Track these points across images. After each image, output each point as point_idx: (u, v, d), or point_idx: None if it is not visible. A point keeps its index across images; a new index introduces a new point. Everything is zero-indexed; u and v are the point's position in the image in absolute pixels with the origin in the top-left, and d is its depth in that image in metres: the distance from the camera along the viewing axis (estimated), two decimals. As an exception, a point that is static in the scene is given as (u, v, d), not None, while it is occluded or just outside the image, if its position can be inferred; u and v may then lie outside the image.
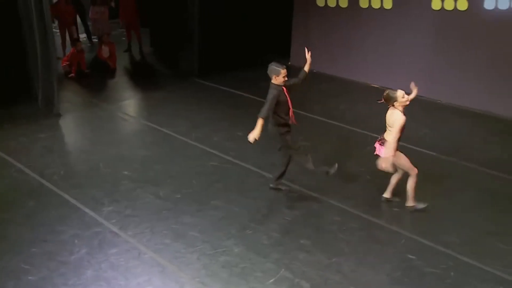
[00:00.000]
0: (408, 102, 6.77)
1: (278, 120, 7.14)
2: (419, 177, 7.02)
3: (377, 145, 7.01)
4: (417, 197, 7.17)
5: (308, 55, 7.36)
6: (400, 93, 6.72)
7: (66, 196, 7.52)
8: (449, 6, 10.25)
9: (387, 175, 8.19)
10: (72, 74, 12.10)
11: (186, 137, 9.58)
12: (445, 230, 6.92)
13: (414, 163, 7.02)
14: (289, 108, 7.11)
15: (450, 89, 10.66)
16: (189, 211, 7.26)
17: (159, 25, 13.06)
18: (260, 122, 6.81)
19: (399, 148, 6.86)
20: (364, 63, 11.58)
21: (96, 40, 14.17)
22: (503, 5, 9.59)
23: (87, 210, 7.19)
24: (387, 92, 6.83)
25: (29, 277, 5.83)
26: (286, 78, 7.05)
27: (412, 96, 7.09)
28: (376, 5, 11.21)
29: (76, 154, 8.99)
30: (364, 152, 8.70)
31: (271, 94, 6.98)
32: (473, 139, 9.50)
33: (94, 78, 12.27)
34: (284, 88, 7.06)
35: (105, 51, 12.59)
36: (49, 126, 9.82)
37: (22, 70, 10.66)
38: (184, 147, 9.24)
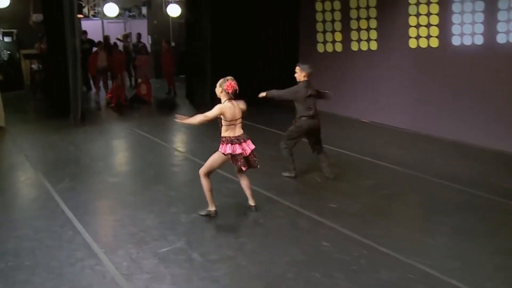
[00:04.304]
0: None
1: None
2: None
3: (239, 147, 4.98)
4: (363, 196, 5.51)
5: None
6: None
7: (40, 174, 6.60)
8: (423, 44, 8.81)
9: (338, 178, 6.53)
10: (112, 104, 11.43)
11: (165, 141, 8.54)
12: (375, 225, 5.11)
13: (385, 177, 5.79)
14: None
15: (428, 121, 8.83)
16: (130, 191, 5.98)
17: (188, 71, 12.32)
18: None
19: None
20: (355, 100, 9.98)
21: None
22: (467, 41, 8.23)
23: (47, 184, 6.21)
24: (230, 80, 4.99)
25: None
26: (306, 78, 6.13)
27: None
28: (364, 47, 9.82)
29: (71, 149, 7.95)
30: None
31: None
32: (435, 159, 7.53)
33: (128, 108, 11.49)
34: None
35: (143, 89, 11.97)
36: (67, 133, 8.97)
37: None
38: (151, 146, 8.21)
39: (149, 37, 15.86)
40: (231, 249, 4.50)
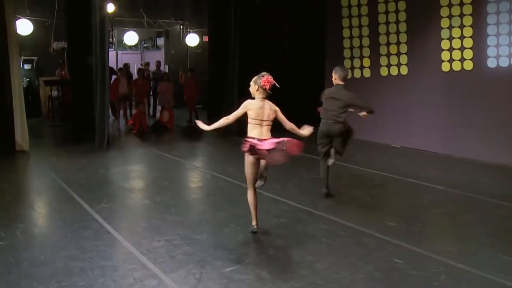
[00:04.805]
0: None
1: None
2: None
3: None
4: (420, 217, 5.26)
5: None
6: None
7: (75, 195, 6.24)
8: (456, 67, 8.70)
9: (388, 198, 6.30)
10: (134, 131, 11.18)
11: (198, 165, 8.23)
12: (444, 242, 4.90)
13: (435, 197, 5.70)
14: None
15: (461, 144, 8.65)
16: (174, 212, 5.66)
17: (212, 99, 12.26)
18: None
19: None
20: (385, 125, 9.76)
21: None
22: (504, 63, 8.14)
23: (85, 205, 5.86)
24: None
25: None
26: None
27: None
28: (394, 72, 9.71)
29: (101, 172, 7.65)
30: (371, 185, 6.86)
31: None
32: (481, 180, 7.30)
33: (151, 135, 11.22)
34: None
35: (165, 116, 11.73)
36: (94, 157, 8.68)
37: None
38: (183, 168, 8.15)
39: (166, 66, 15.82)
40: (301, 268, 4.19)
